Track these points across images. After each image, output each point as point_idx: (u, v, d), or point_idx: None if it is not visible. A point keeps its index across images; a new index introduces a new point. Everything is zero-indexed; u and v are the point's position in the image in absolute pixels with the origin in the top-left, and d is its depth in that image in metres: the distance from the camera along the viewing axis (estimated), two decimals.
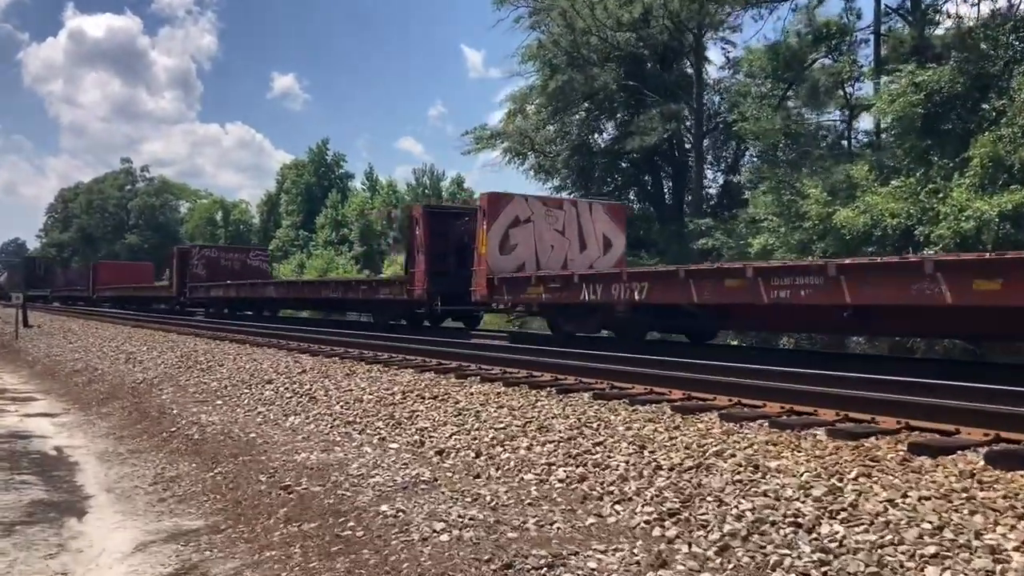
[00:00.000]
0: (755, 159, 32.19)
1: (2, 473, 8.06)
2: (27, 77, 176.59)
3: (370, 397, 8.77)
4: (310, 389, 9.84)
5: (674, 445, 5.82)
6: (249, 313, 26.67)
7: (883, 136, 26.08)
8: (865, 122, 29.25)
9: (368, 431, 7.78)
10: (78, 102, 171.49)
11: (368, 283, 20.64)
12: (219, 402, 10.59)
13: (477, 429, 7.03)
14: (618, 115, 31.48)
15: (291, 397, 9.77)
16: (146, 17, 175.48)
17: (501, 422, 7.14)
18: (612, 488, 5.12)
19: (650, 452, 5.69)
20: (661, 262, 26.91)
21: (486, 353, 11.14)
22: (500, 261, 14.76)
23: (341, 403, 8.94)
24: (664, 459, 5.46)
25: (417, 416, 7.82)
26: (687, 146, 35.00)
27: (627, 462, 5.51)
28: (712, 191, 36.31)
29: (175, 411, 10.34)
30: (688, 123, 28.83)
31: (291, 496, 6.01)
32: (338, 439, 7.74)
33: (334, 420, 8.45)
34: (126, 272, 48.57)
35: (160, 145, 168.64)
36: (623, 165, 33.62)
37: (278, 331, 16.64)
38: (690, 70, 33.78)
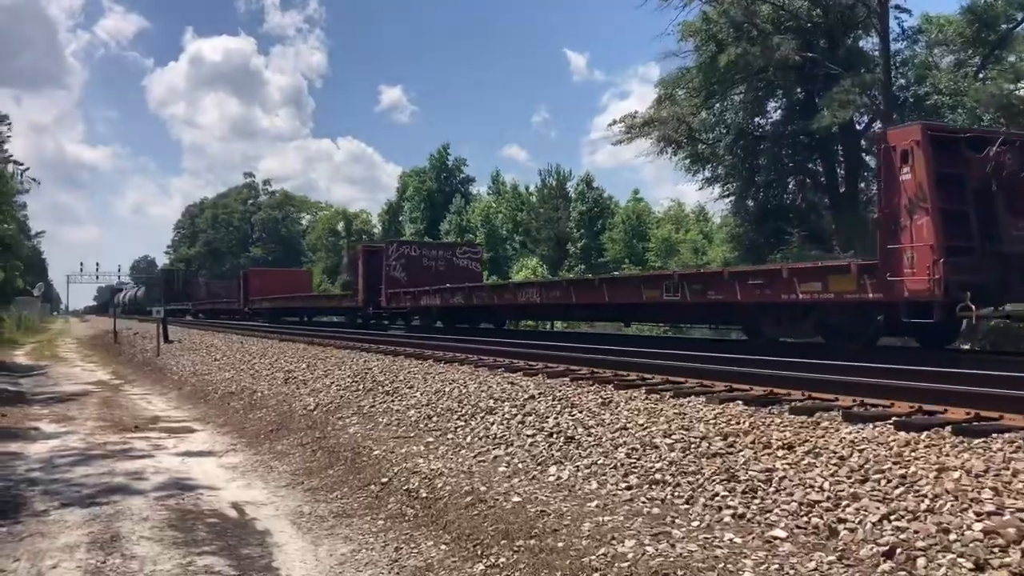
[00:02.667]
0: None
1: (176, 551, 5.83)
2: (151, 102, 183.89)
3: (667, 441, 6.14)
4: (557, 424, 7.31)
5: None
6: (464, 326, 21.41)
7: None
8: None
9: (701, 498, 5.16)
10: (198, 123, 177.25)
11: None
12: (430, 439, 8.20)
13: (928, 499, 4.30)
14: (795, 92, 28.10)
15: (533, 435, 7.25)
16: (259, 37, 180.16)
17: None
18: None
19: None
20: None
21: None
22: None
23: (619, 447, 6.36)
24: None
25: (774, 476, 5.14)
26: (859, 127, 31.29)
27: None
28: None
29: (376, 452, 8.00)
30: (878, 98, 25.32)
31: None
32: (657, 511, 5.15)
33: (625, 474, 5.87)
34: (282, 280, 42.91)
35: (275, 162, 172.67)
36: (787, 151, 30.18)
37: (464, 343, 14.27)
38: (862, 42, 30.13)
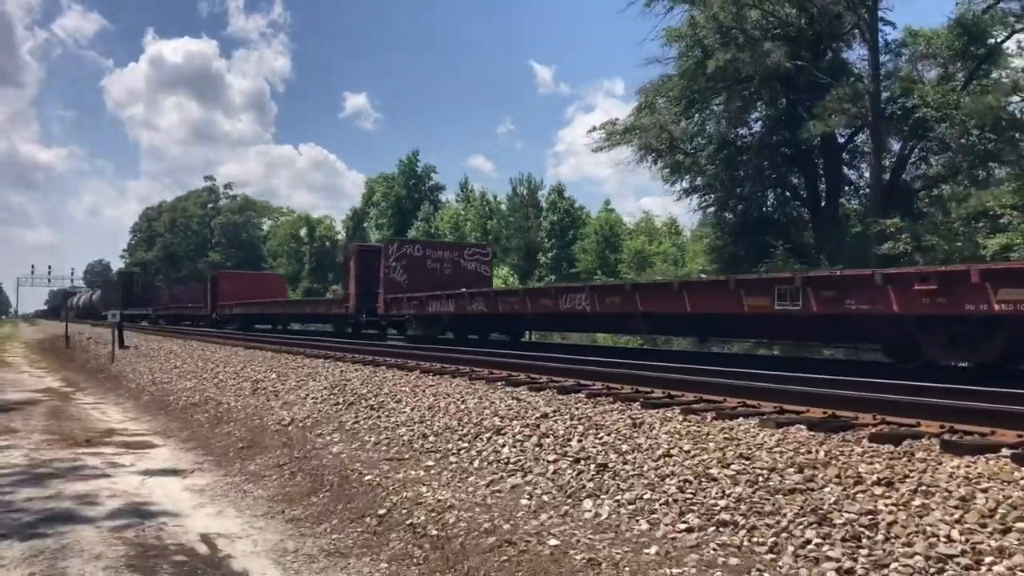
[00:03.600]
0: (931, 151, 27.90)
1: None
2: (110, 103, 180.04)
3: (726, 473, 5.21)
4: (582, 448, 6.35)
5: None
6: (474, 337, 18.93)
7: None
8: None
9: (789, 546, 4.22)
10: (157, 126, 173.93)
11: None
12: (429, 463, 7.18)
13: None
14: (779, 102, 27.49)
15: (556, 460, 6.28)
16: (222, 40, 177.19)
17: None
18: None
19: None
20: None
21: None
22: None
23: (667, 478, 5.42)
24: None
25: (879, 520, 4.22)
26: (840, 140, 30.91)
27: None
28: (865, 190, 32.17)
29: (368, 477, 6.97)
30: (864, 108, 24.76)
31: None
32: (736, 562, 4.21)
33: (681, 513, 4.92)
34: (254, 284, 39.76)
35: (236, 167, 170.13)
36: (769, 163, 29.63)
37: (450, 354, 13.20)
38: (845, 54, 29.80)
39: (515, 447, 6.86)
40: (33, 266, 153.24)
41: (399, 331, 22.24)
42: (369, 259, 21.92)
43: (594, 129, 31.76)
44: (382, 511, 6.17)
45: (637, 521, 5.00)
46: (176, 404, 13.35)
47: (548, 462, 6.32)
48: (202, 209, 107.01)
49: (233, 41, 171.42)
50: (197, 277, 79.93)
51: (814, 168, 31.03)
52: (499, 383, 9.71)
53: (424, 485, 6.49)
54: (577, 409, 7.54)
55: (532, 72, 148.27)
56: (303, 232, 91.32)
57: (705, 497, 4.95)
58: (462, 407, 8.59)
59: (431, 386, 10.16)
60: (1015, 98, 24.26)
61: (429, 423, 8.36)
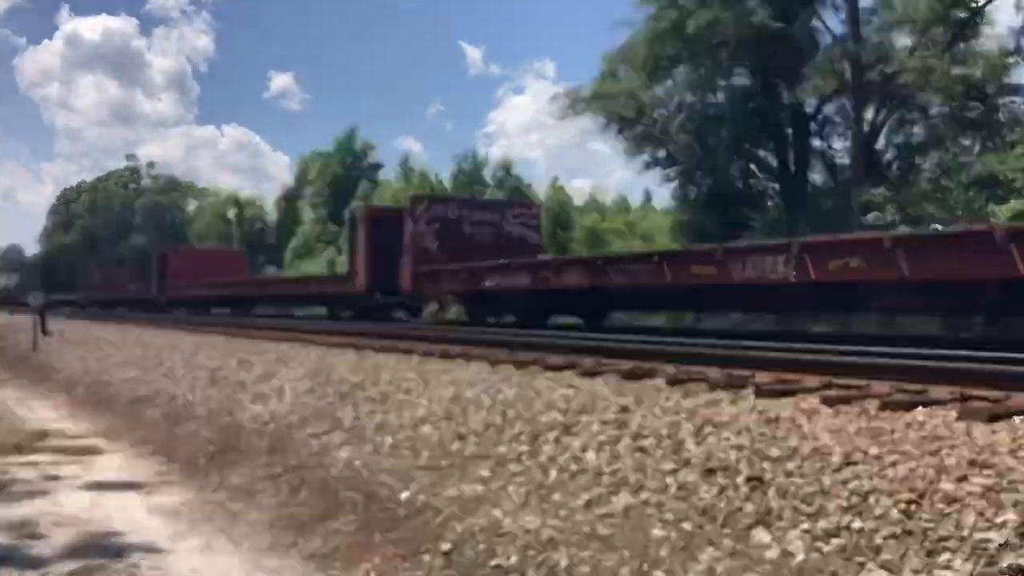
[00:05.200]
0: (912, 120, 27.02)
1: None
2: (22, 82, 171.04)
3: (968, 489, 3.66)
4: (708, 453, 4.76)
5: None
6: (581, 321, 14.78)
7: None
8: None
9: None
10: (74, 106, 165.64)
11: None
12: (483, 473, 5.53)
13: None
14: (756, 67, 26.18)
15: (675, 471, 4.68)
16: (140, 17, 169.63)
17: None
18: None
19: None
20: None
21: None
22: None
23: (864, 494, 3.85)
24: None
25: None
26: (808, 109, 29.91)
27: None
28: (841, 159, 31.31)
29: (405, 494, 5.34)
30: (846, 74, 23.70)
31: None
32: None
33: (931, 551, 3.36)
34: (210, 262, 34.38)
35: (156, 148, 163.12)
36: (742, 132, 28.41)
37: (439, 332, 11.45)
38: (816, 21, 28.71)
39: (602, 451, 5.24)
40: None
41: (407, 311, 19.41)
42: (385, 224, 18.19)
43: (556, 97, 30.20)
44: (446, 546, 4.52)
45: (863, 567, 3.43)
46: (118, 398, 11.37)
47: (664, 473, 4.71)
48: (124, 190, 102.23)
49: (153, 18, 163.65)
50: (120, 261, 75.99)
51: (784, 138, 30.00)
52: (532, 367, 8.04)
53: (494, 506, 4.84)
54: (666, 400, 5.94)
55: (462, 52, 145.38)
56: (231, 214, 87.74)
57: (976, 532, 3.39)
58: (499, 398, 6.92)
59: (443, 372, 8.44)
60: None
61: (461, 419, 6.67)
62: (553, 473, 5.19)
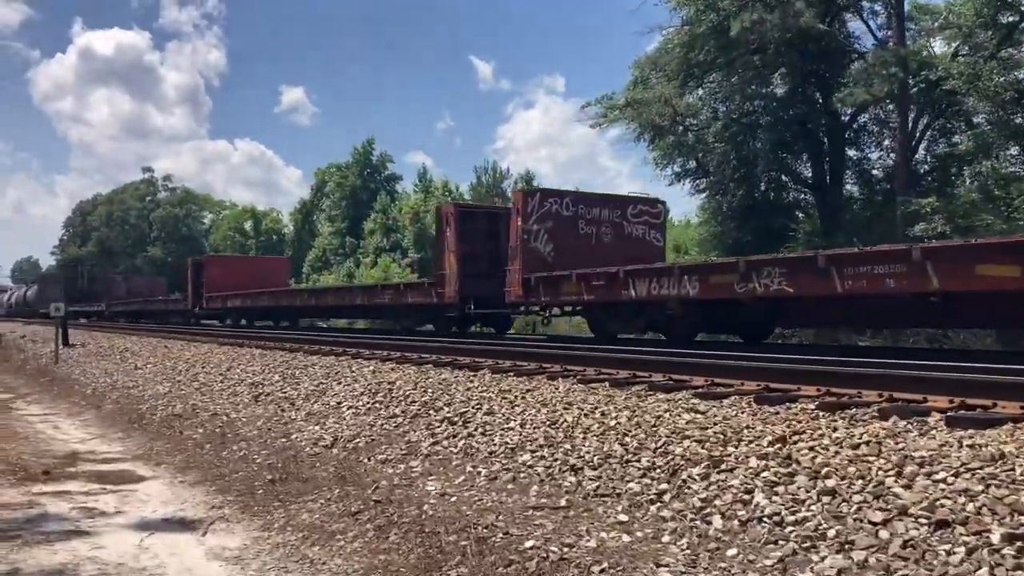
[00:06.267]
0: (957, 128, 26.04)
1: None
2: (36, 95, 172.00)
3: None
4: (924, 498, 3.77)
5: None
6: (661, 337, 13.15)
7: None
8: None
9: None
10: (87, 120, 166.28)
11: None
12: (620, 517, 4.59)
13: None
14: (796, 73, 25.13)
15: (887, 522, 3.70)
16: (154, 32, 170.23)
17: None
18: None
19: None
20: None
21: None
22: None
23: None
24: None
25: None
26: (844, 117, 28.92)
27: None
28: (875, 170, 30.37)
29: (529, 543, 4.38)
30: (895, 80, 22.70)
31: None
32: None
33: None
34: (252, 270, 31.82)
35: (170, 163, 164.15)
36: (781, 138, 27.41)
37: (476, 346, 10.45)
38: (856, 23, 27.77)
39: (775, 494, 4.26)
40: None
41: (496, 327, 17.47)
42: (479, 225, 16.45)
43: (587, 105, 29.31)
44: None
45: None
46: (152, 415, 10.44)
47: (874, 525, 3.73)
48: (140, 202, 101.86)
49: (166, 33, 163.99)
50: (137, 272, 75.44)
51: (819, 148, 29.01)
52: (633, 386, 7.08)
53: (657, 564, 3.86)
54: (831, 430, 4.96)
55: (472, 67, 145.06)
56: (248, 225, 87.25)
57: None
58: (609, 423, 5.95)
59: (527, 391, 7.49)
60: None
61: (567, 447, 5.71)
62: (718, 521, 4.21)
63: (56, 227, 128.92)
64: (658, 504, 4.58)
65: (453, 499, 5.34)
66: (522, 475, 5.53)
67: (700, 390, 6.57)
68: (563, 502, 4.96)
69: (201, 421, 9.46)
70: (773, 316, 11.77)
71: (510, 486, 5.42)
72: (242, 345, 16.18)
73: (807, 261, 9.04)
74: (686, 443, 5.19)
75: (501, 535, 4.59)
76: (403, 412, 7.69)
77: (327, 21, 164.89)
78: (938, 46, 26.37)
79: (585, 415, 6.26)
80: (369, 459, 6.72)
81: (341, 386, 9.43)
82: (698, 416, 5.69)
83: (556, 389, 7.39)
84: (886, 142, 30.35)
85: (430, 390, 8.22)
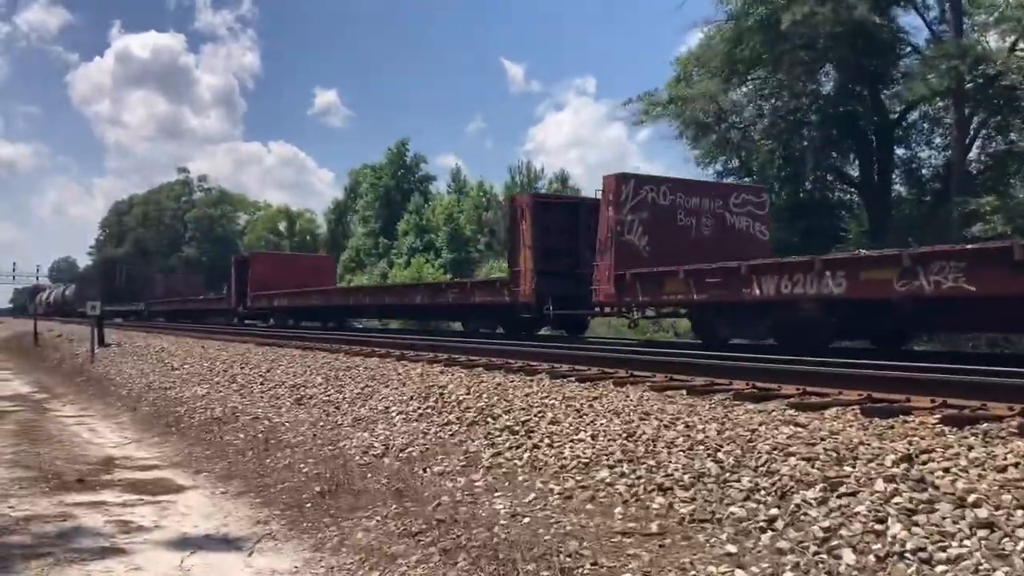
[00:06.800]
0: (1015, 126, 25.08)
1: None
2: (75, 98, 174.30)
3: None
4: None
5: None
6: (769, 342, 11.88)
7: None
8: None
9: None
10: (124, 122, 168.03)
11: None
12: (728, 547, 4.00)
13: None
14: (846, 69, 24.33)
15: None
16: (189, 35, 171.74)
17: None
18: None
19: None
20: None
21: None
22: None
23: None
24: None
25: None
26: (893, 115, 28.09)
27: None
28: (924, 169, 29.50)
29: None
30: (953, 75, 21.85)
31: None
32: None
33: None
34: (299, 267, 30.41)
35: (204, 164, 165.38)
36: (831, 135, 26.60)
37: (568, 348, 9.82)
38: (906, 17, 26.90)
39: (914, 524, 3.65)
40: None
41: (569, 329, 16.09)
42: (557, 217, 15.16)
43: (630, 101, 28.69)
44: None
45: None
46: (190, 419, 10.00)
47: None
48: (175, 203, 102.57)
49: (201, 36, 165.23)
50: (171, 272, 75.72)
51: (867, 146, 28.15)
52: (712, 395, 6.48)
53: None
54: (966, 448, 4.34)
55: (503, 69, 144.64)
56: (282, 226, 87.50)
57: None
58: (695, 436, 5.37)
59: (593, 399, 6.91)
60: None
61: (651, 464, 5.13)
62: (849, 555, 3.61)
63: (93, 228, 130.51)
64: (770, 533, 3.99)
65: (526, 520, 4.79)
66: (602, 494, 4.97)
67: (792, 399, 5.95)
68: (655, 527, 4.39)
69: (242, 425, 8.99)
70: (934, 320, 10.24)
71: (589, 507, 4.86)
72: (281, 345, 15.73)
73: (997, 254, 7.63)
74: (792, 461, 4.59)
75: (590, 566, 4.02)
76: (458, 419, 7.15)
77: (359, 23, 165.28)
78: (993, 40, 25.45)
79: (666, 427, 5.68)
80: (425, 470, 6.19)
81: (388, 389, 8.92)
82: (799, 430, 5.08)
83: (627, 397, 6.81)
84: (936, 140, 29.48)
85: (485, 395, 7.68)
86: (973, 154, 27.03)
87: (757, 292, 9.87)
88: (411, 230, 58.43)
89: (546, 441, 6.05)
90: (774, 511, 4.17)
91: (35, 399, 14.00)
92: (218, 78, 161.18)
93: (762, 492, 4.40)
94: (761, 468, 4.63)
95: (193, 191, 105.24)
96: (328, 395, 9.44)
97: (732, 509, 4.33)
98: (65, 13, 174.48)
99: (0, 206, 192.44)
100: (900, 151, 29.71)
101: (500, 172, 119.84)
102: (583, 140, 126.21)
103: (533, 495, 5.20)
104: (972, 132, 25.79)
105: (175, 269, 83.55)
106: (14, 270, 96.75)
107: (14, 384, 17.06)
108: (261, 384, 11.12)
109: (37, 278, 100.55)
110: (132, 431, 10.02)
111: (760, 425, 5.31)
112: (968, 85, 24.11)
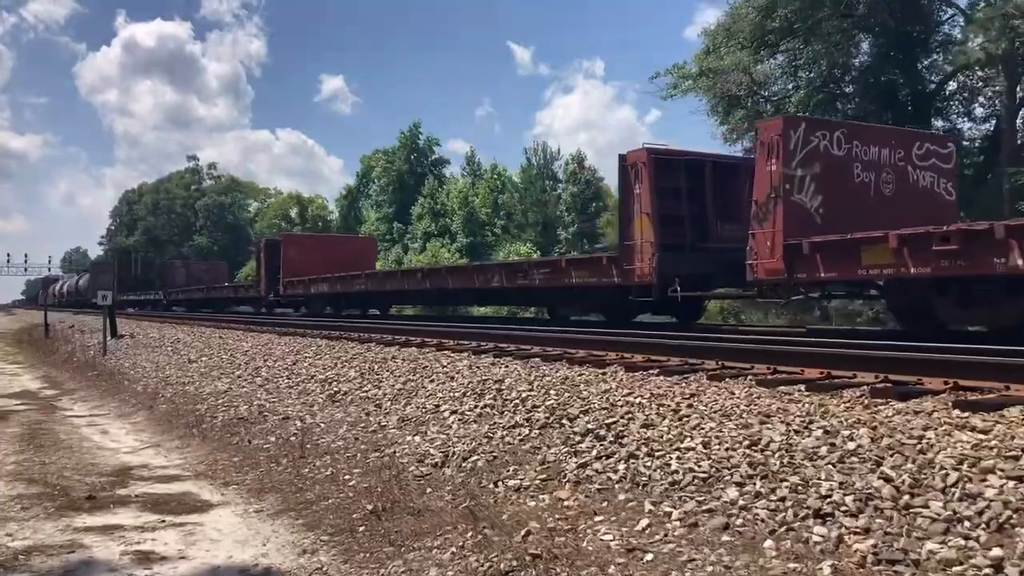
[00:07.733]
0: None
1: None
2: (83, 88, 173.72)
3: None
4: None
5: None
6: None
7: None
8: None
9: None
10: (131, 111, 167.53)
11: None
12: None
13: None
14: (884, 37, 23.09)
15: None
16: (195, 22, 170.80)
17: None
18: None
19: None
20: None
21: None
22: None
23: None
24: None
25: None
26: (931, 86, 26.84)
27: None
28: (965, 142, 28.16)
29: None
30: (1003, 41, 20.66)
31: None
32: None
33: None
34: (336, 250, 26.96)
35: (213, 152, 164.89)
36: (870, 110, 25.41)
37: (635, 336, 8.68)
38: None
39: None
40: (8, 255, 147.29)
41: (678, 314, 13.88)
42: (678, 179, 12.35)
43: (658, 75, 27.54)
44: None
45: None
46: (213, 418, 9.04)
47: None
48: (185, 191, 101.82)
49: (207, 23, 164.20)
50: (188, 259, 74.89)
51: (905, 117, 26.91)
52: (837, 391, 5.47)
53: None
54: None
55: (511, 53, 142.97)
56: (294, 212, 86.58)
57: None
58: (842, 445, 4.36)
59: (690, 395, 5.90)
60: None
61: (795, 480, 4.12)
62: None
63: (103, 218, 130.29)
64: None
65: (649, 558, 3.80)
66: (738, 522, 3.97)
67: (943, 394, 4.94)
68: (827, 570, 3.39)
69: (271, 427, 8.03)
70: None
71: (725, 538, 3.86)
72: (304, 335, 14.77)
73: None
74: (992, 479, 3.58)
75: None
76: (527, 421, 6.15)
77: (365, 9, 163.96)
78: None
79: (796, 432, 4.67)
80: (497, 484, 5.21)
81: (434, 384, 7.94)
82: (980, 436, 4.07)
83: (732, 394, 5.79)
84: (977, 111, 28.24)
85: (552, 391, 6.68)
86: (1018, 124, 25.84)
87: (1018, 262, 7.29)
88: (426, 214, 57.40)
89: (643, 449, 5.05)
90: (996, 551, 3.16)
91: (43, 396, 13.10)
92: (225, 66, 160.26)
93: (966, 523, 3.39)
94: (953, 489, 3.62)
95: (203, 179, 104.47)
96: (365, 391, 8.47)
97: (929, 546, 3.33)
98: (71, 3, 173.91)
99: (11, 198, 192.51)
100: (939, 123, 28.49)
101: (508, 156, 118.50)
102: (591, 123, 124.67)
103: (646, 521, 4.21)
104: (1016, 102, 24.58)
105: (187, 257, 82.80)
106: (26, 261, 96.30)
107: (23, 379, 16.18)
108: (288, 378, 10.17)
109: (49, 269, 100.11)
110: (149, 433, 9.08)
111: (925, 430, 4.28)
112: (1021, 49, 22.87)
